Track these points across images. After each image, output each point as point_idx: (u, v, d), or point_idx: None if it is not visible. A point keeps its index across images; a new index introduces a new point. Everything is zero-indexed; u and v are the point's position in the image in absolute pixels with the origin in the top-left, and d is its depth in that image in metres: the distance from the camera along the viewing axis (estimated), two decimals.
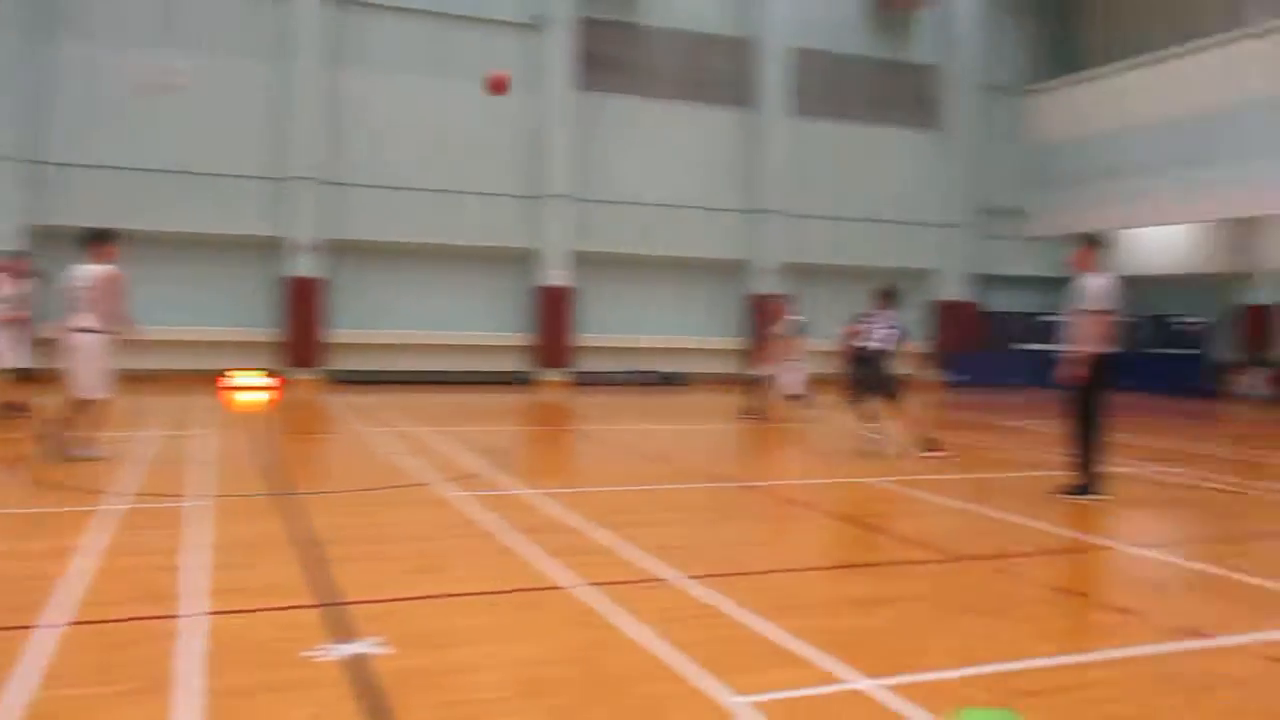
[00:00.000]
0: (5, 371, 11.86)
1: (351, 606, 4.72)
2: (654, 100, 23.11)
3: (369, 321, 21.02)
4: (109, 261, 9.11)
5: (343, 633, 4.32)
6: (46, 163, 18.62)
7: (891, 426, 11.31)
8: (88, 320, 8.99)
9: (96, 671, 3.85)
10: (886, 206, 25.13)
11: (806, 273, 24.24)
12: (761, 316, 12.79)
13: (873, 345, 11.22)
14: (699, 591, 5.12)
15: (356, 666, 3.91)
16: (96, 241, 9.12)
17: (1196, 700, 3.82)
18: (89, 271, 9.01)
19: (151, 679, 3.75)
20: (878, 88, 25.29)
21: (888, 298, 11.57)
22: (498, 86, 12.04)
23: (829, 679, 3.91)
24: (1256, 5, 21.86)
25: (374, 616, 4.57)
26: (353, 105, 20.65)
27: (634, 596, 5.01)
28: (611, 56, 22.76)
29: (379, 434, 11.86)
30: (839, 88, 24.91)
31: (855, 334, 11.76)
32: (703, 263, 23.56)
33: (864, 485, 8.98)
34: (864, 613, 4.90)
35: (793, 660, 4.13)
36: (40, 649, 4.02)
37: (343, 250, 20.63)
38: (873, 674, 3.94)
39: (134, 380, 18.38)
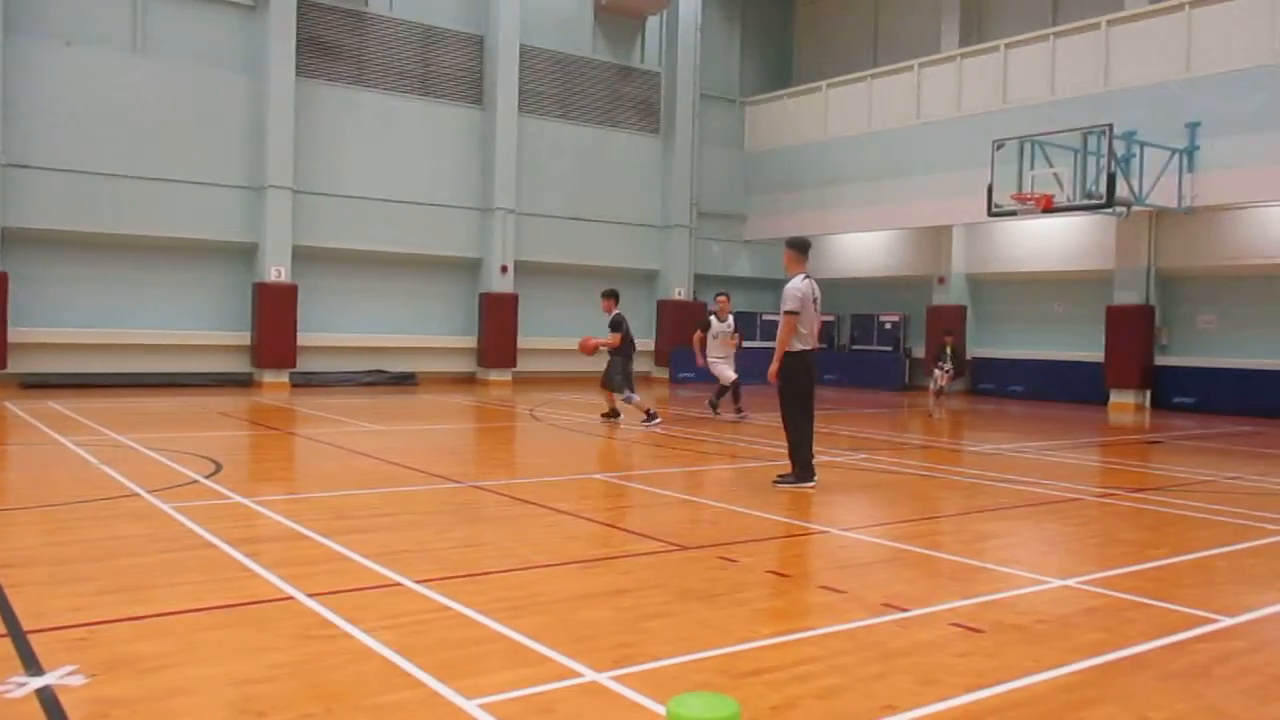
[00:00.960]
0: None
1: (41, 634, 4.27)
2: (381, 92, 22.49)
3: (54, 320, 19.12)
4: None
5: (30, 664, 3.90)
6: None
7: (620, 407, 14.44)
8: None
9: None
10: (615, 208, 25.76)
11: (540, 271, 24.45)
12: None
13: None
14: (429, 595, 5.03)
15: (46, 700, 3.54)
16: None
17: (894, 665, 4.16)
18: None
19: None
20: (606, 90, 25.86)
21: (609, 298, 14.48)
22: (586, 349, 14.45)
23: (561, 674, 3.95)
24: (946, 35, 24.26)
25: (68, 644, 4.15)
26: (29, 78, 18.71)
27: (360, 605, 4.85)
28: (335, 44, 21.94)
29: (77, 442, 10.83)
30: (569, 88, 25.26)
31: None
32: (434, 260, 23.19)
33: (595, 480, 9.14)
34: (595, 605, 4.98)
35: (525, 659, 4.14)
36: None
37: (23, 239, 18.67)
38: (603, 667, 4.02)
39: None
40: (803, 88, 26.78)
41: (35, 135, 18.63)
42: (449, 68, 23.51)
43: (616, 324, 14.30)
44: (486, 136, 23.72)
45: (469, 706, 3.59)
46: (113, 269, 19.76)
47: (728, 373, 15.68)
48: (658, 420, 13.89)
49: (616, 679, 3.89)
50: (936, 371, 18.58)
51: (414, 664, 4.00)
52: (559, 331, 24.44)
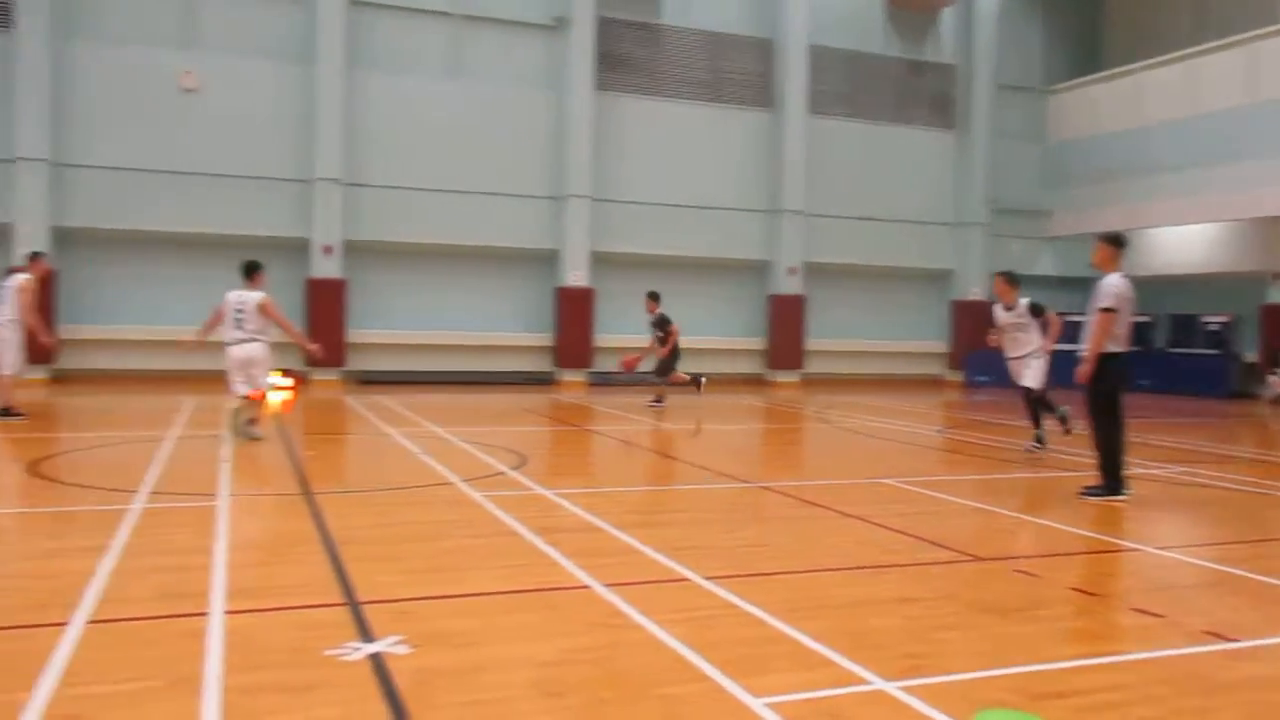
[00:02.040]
0: None
1: (372, 606, 4.74)
2: (673, 100, 23.10)
3: (389, 322, 21.11)
4: None
5: (364, 632, 4.34)
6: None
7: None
8: None
9: (120, 669, 3.89)
10: (905, 206, 25.06)
11: (828, 273, 24.23)
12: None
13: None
14: (717, 592, 5.12)
15: (378, 666, 3.93)
16: None
17: (1219, 701, 3.78)
18: None
19: (175, 677, 3.78)
20: (896, 87, 25.21)
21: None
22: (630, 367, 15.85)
23: (847, 680, 3.90)
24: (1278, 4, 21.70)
25: (395, 616, 4.59)
26: (372, 107, 20.72)
27: (652, 597, 5.02)
28: (630, 57, 22.78)
29: (400, 434, 11.91)
30: (858, 87, 24.85)
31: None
32: (722, 263, 23.54)
33: (885, 485, 8.94)
34: (883, 613, 4.88)
35: (811, 661, 4.12)
36: (65, 647, 4.06)
37: (362, 251, 20.71)
38: (891, 676, 3.93)
39: (158, 381, 18.56)
40: (1113, 71, 24.82)
41: (371, 157, 20.67)
42: (738, 73, 23.78)
43: (665, 322, 15.87)
44: (775, 139, 23.78)
45: (755, 704, 3.63)
46: (433, 275, 21.52)
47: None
48: (663, 404, 16.15)
49: (905, 689, 3.80)
50: (1271, 378, 16.66)
51: (703, 658, 4.09)
52: (848, 333, 24.09)
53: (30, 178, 18.34)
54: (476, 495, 7.79)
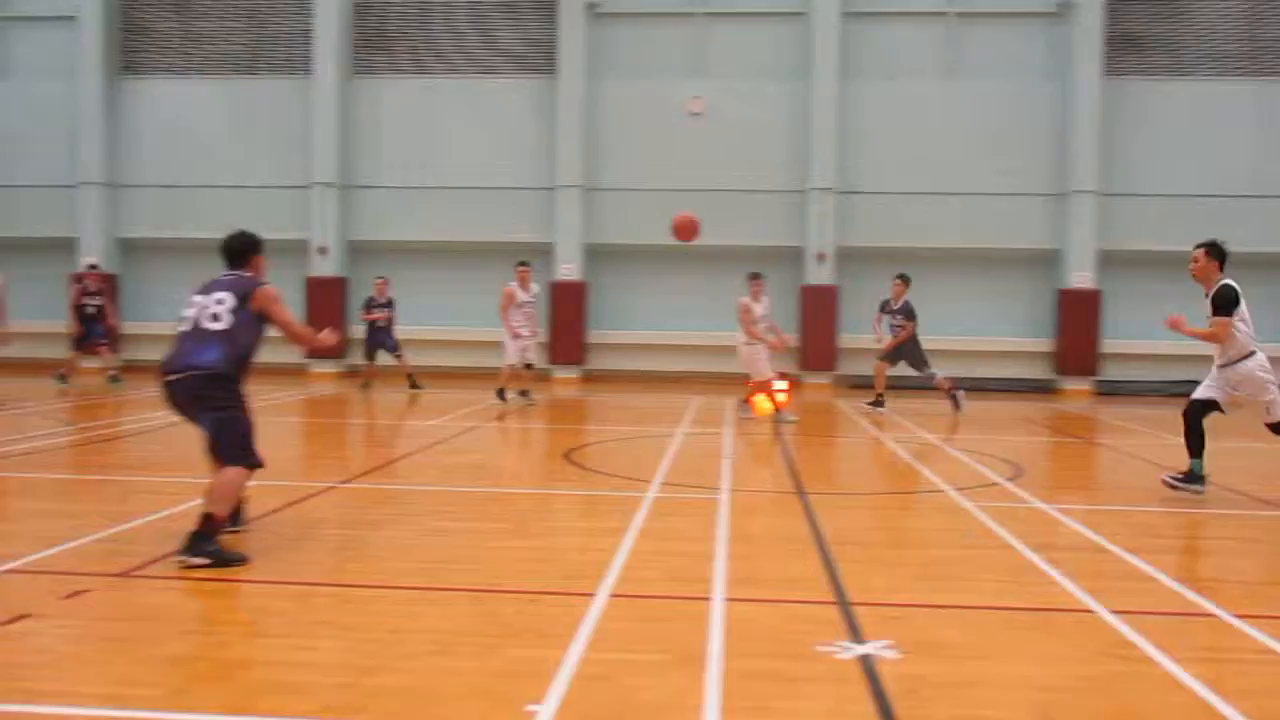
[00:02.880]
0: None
1: (863, 607, 4.80)
2: (1203, 78, 20.61)
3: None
4: None
5: (854, 632, 4.41)
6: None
7: None
8: None
9: (635, 640, 4.32)
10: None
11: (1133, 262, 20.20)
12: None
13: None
14: (1251, 633, 4.49)
15: (868, 667, 3.98)
16: None
17: None
18: None
19: (683, 653, 4.11)
20: None
21: None
22: (685, 231, 12.10)
23: None
24: None
25: (885, 620, 4.60)
26: (862, 114, 20.92)
27: (1168, 630, 4.53)
28: (1146, 36, 20.71)
29: (890, 439, 11.90)
30: None
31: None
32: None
33: None
34: None
35: None
36: (592, 615, 4.59)
37: (852, 257, 20.96)
38: None
39: (667, 382, 20.31)
40: None
41: (863, 164, 20.89)
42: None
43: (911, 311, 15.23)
44: None
45: None
46: (934, 279, 20.86)
47: None
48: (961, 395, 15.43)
49: None
50: None
51: (1231, 706, 3.61)
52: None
53: (567, 200, 21.00)
54: (970, 505, 7.55)
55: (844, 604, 4.86)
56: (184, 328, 5.63)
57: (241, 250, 5.92)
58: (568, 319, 20.79)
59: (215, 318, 5.56)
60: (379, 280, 17.88)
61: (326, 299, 20.76)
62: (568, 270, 20.89)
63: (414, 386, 16.80)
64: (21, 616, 4.43)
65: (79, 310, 16.79)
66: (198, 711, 3.45)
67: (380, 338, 17.49)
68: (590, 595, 4.88)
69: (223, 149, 21.55)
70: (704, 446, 10.87)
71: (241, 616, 4.68)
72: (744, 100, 21.09)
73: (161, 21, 21.99)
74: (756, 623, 4.57)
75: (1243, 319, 7.73)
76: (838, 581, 5.26)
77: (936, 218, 20.75)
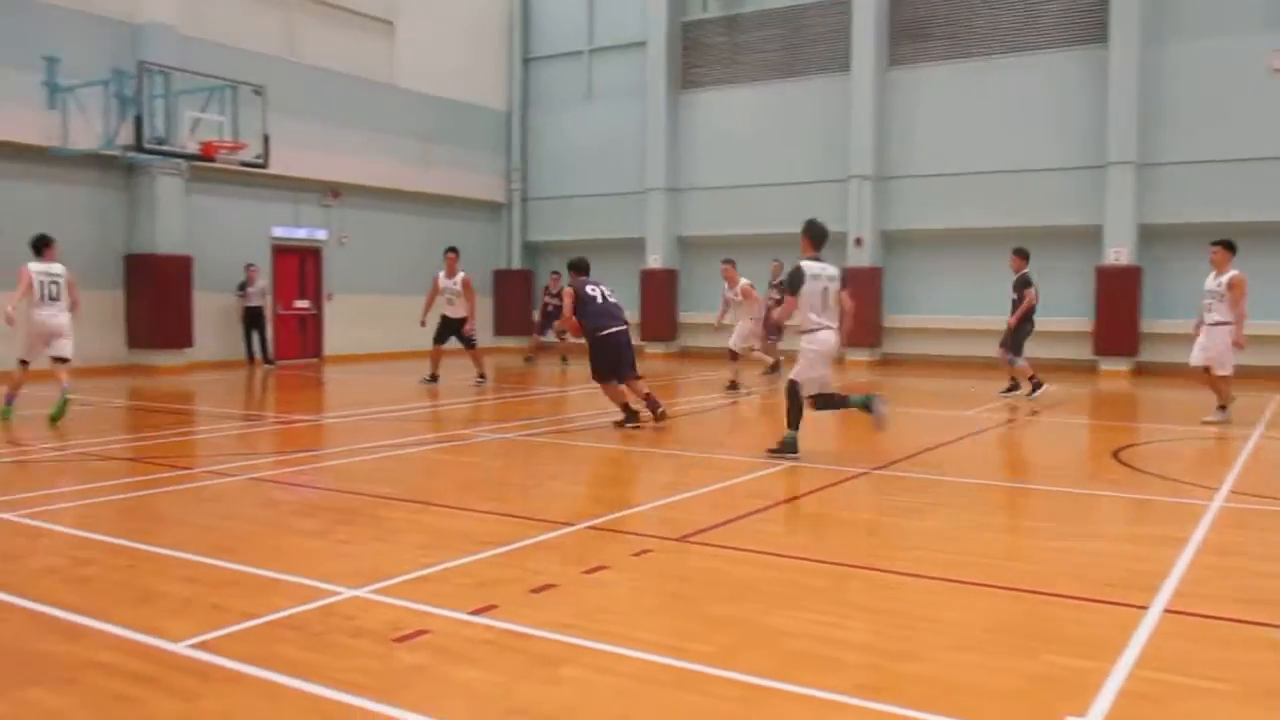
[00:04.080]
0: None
1: None
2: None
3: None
4: None
5: None
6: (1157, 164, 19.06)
7: None
8: None
9: (1193, 663, 3.89)
10: None
11: None
12: None
13: None
14: None
15: None
16: None
17: None
18: None
19: (1249, 684, 3.65)
20: None
21: None
22: None
23: None
24: None
25: None
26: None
27: None
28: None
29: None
30: None
31: None
32: None
33: None
34: None
35: None
36: (1144, 629, 4.23)
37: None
38: None
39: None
40: None
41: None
42: None
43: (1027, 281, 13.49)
44: None
45: None
46: None
47: None
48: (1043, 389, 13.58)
49: None
50: None
51: None
52: None
53: (1120, 179, 19.18)
54: None
55: None
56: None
57: None
58: (1114, 307, 19.00)
59: None
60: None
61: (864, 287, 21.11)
62: (1116, 254, 19.09)
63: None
64: (601, 567, 5.16)
65: (544, 307, 20.96)
66: (747, 673, 3.75)
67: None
68: (1142, 608, 4.49)
69: (766, 149, 22.90)
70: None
71: (780, 590, 4.97)
72: None
73: (714, 38, 23.90)
74: None
75: None
76: None
77: None
